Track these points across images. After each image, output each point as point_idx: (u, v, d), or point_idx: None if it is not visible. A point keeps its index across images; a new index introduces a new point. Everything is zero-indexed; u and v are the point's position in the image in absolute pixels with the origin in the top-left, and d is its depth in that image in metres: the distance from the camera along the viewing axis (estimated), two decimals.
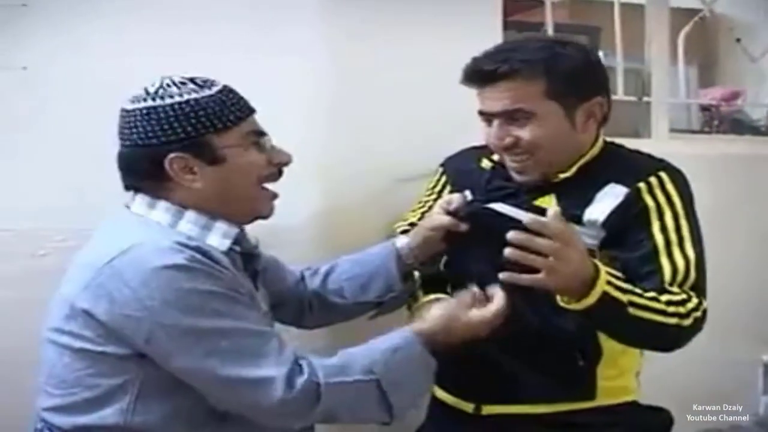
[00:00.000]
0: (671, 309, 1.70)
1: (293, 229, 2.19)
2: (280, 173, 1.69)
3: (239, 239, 1.65)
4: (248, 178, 1.64)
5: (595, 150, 1.93)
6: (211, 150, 1.57)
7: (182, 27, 2.13)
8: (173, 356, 1.48)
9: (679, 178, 1.88)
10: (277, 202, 1.71)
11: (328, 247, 2.19)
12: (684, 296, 1.74)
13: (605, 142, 1.96)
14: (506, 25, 2.72)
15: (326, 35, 2.28)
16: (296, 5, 2.25)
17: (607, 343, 1.86)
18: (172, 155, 1.55)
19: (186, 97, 1.56)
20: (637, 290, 1.69)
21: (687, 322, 1.71)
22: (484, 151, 2.03)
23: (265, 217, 1.70)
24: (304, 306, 1.97)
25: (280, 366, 1.51)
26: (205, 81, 1.60)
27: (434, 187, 2.17)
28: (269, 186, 1.69)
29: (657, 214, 1.82)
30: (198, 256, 1.49)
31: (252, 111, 1.65)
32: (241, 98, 1.63)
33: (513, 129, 1.84)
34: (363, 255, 1.97)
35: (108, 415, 1.49)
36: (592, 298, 1.61)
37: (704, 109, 4.05)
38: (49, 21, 2.05)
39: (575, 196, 1.86)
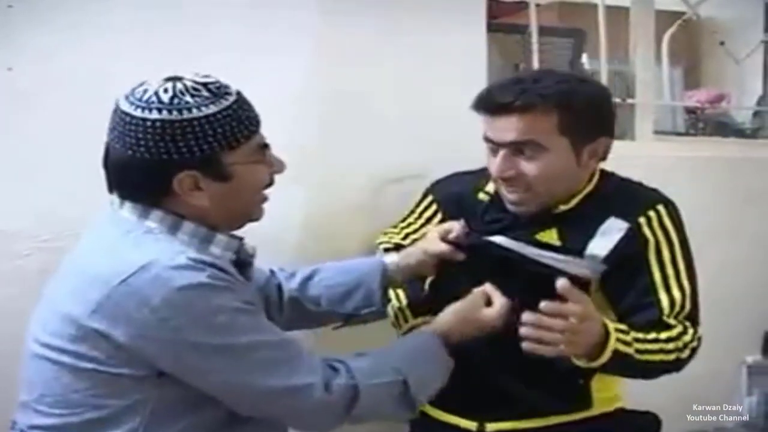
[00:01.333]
0: (671, 345, 1.81)
1: (279, 232, 2.18)
2: (272, 181, 1.67)
3: (238, 248, 1.63)
4: (253, 194, 1.63)
5: (594, 181, 1.95)
6: (220, 167, 1.54)
7: (171, 27, 2.13)
8: (207, 375, 1.47)
9: (673, 211, 1.94)
10: (266, 205, 1.71)
11: (314, 250, 2.20)
12: (680, 328, 1.85)
13: (601, 172, 1.98)
14: (490, 28, 2.73)
15: (313, 40, 2.29)
16: (282, 10, 2.25)
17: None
18: (182, 174, 1.51)
19: (204, 111, 1.50)
20: (640, 336, 1.79)
21: (685, 354, 1.83)
22: (476, 179, 2.05)
23: (255, 220, 1.69)
24: (270, 306, 1.93)
25: (315, 370, 1.53)
26: (218, 87, 1.54)
27: (423, 212, 2.17)
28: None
29: (655, 249, 1.89)
30: (218, 272, 1.48)
31: (260, 123, 1.60)
32: (252, 109, 1.59)
33: (518, 161, 1.85)
34: (348, 265, 1.96)
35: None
36: (604, 357, 1.71)
37: (689, 111, 4.06)
38: (35, 22, 2.04)
39: (576, 229, 1.90)
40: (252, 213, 1.66)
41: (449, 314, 1.80)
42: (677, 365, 1.84)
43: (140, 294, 1.42)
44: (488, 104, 1.84)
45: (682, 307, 1.87)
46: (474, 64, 2.49)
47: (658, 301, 1.86)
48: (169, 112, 1.48)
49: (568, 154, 1.86)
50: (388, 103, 2.38)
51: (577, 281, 1.88)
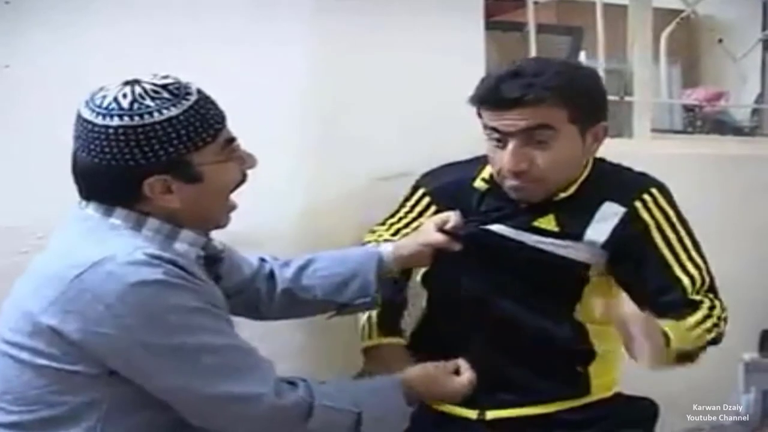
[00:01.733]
0: (709, 324, 1.86)
1: (275, 227, 2.19)
2: (245, 177, 1.64)
3: (205, 244, 1.61)
4: (224, 193, 1.60)
5: (588, 167, 1.97)
6: (190, 169, 1.51)
7: (170, 24, 2.13)
8: (156, 375, 1.45)
9: (667, 193, 1.97)
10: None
11: (310, 245, 2.19)
12: (708, 303, 1.90)
13: (593, 158, 1.99)
14: (488, 25, 2.73)
15: (309, 38, 2.28)
16: (279, 7, 2.25)
17: (600, 346, 1.99)
18: (152, 178, 1.49)
19: (165, 114, 1.47)
20: (685, 324, 1.81)
21: (722, 326, 1.89)
22: (469, 169, 2.06)
23: (222, 227, 1.66)
24: (261, 297, 1.92)
25: (267, 381, 1.51)
26: (178, 88, 1.51)
27: (415, 205, 2.16)
28: (231, 197, 1.64)
29: (658, 232, 1.92)
30: (175, 269, 1.45)
31: (225, 119, 1.58)
32: (216, 106, 1.56)
33: (529, 152, 1.84)
34: (344, 254, 1.95)
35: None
36: (670, 360, 1.74)
37: (688, 109, 4.07)
38: (32, 19, 2.04)
39: (573, 215, 1.92)
40: (221, 217, 1.63)
41: (419, 369, 1.82)
42: (718, 339, 1.88)
43: (93, 290, 1.40)
44: (496, 100, 1.83)
45: (703, 281, 1.92)
46: (472, 61, 2.48)
47: (678, 280, 1.90)
48: (131, 117, 1.46)
49: (576, 140, 1.87)
50: (385, 101, 2.38)
51: (576, 266, 1.90)
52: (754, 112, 4.23)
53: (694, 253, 1.94)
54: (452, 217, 1.96)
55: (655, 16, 3.38)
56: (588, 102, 1.88)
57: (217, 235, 1.68)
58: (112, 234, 1.50)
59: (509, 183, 1.91)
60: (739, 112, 4.20)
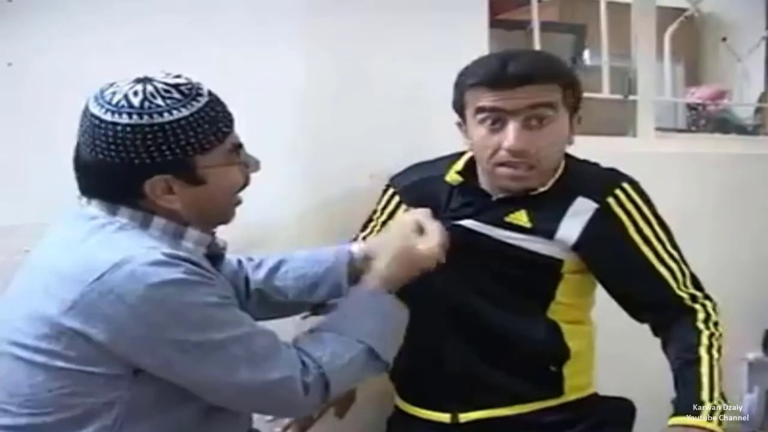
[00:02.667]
0: (716, 346, 1.86)
1: (278, 225, 2.19)
2: (248, 181, 1.63)
3: (210, 243, 1.61)
4: (228, 196, 1.60)
5: (562, 163, 1.96)
6: (194, 171, 1.50)
7: (170, 23, 2.12)
8: (187, 371, 1.45)
9: (639, 188, 1.95)
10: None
11: (312, 243, 2.19)
12: (703, 316, 1.89)
13: (564, 154, 1.99)
14: (492, 24, 2.72)
15: (308, 34, 2.28)
16: (280, 6, 2.25)
17: (573, 345, 1.96)
18: (155, 178, 1.48)
19: (175, 115, 1.45)
20: (709, 377, 1.82)
21: (719, 332, 1.88)
22: (437, 166, 2.06)
23: (226, 223, 1.65)
24: (240, 297, 1.88)
25: (294, 362, 1.52)
26: (190, 89, 1.50)
27: (385, 207, 2.15)
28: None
29: (634, 228, 1.90)
30: (193, 267, 1.45)
31: (233, 122, 1.57)
32: (226, 109, 1.55)
33: (529, 134, 1.83)
34: (314, 254, 1.91)
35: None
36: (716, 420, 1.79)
37: (691, 108, 4.06)
38: (34, 16, 2.04)
39: (546, 209, 1.90)
40: (225, 216, 1.63)
41: (387, 258, 1.75)
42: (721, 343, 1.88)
43: (116, 291, 1.39)
44: (506, 77, 1.82)
45: (683, 274, 1.91)
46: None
47: (661, 276, 1.89)
48: (140, 116, 1.45)
49: (566, 126, 1.88)
50: (388, 99, 2.37)
51: (549, 263, 1.90)
52: (758, 110, 4.23)
53: (669, 247, 1.92)
54: (422, 213, 1.92)
55: (659, 15, 3.37)
56: (576, 89, 1.89)
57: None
58: (123, 234, 1.49)
59: (503, 171, 1.89)
60: (743, 110, 4.20)
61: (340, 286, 1.85)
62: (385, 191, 2.17)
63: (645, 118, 3.22)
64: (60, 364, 1.43)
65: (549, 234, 1.89)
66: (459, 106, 1.93)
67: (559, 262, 1.90)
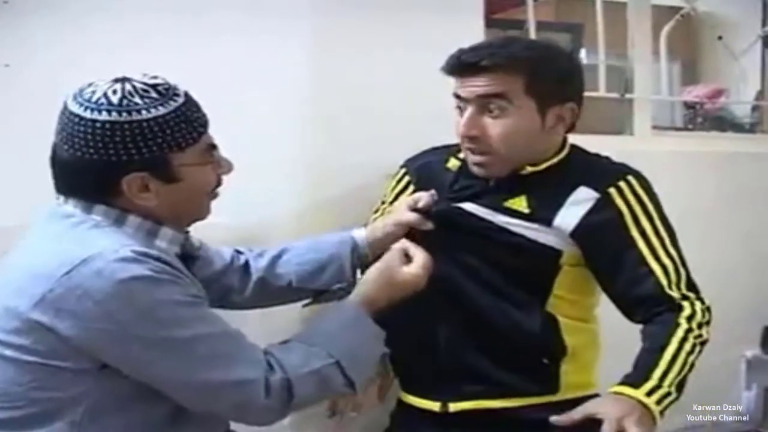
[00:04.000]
0: (688, 346, 1.79)
1: (277, 224, 2.19)
2: (220, 181, 1.66)
3: (183, 242, 1.64)
4: (201, 195, 1.62)
5: (564, 153, 1.97)
6: (169, 168, 1.53)
7: (167, 23, 2.13)
8: (151, 367, 1.47)
9: (646, 182, 1.94)
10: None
11: None
12: (688, 312, 1.83)
13: (571, 146, 1.99)
14: (488, 23, 2.72)
15: (308, 33, 2.28)
16: (280, 4, 2.25)
17: (572, 341, 1.94)
18: (131, 176, 1.51)
19: (153, 113, 1.49)
20: (668, 362, 1.76)
21: (705, 333, 1.83)
22: (449, 150, 2.06)
23: (202, 220, 1.67)
24: (233, 288, 1.93)
25: (257, 365, 1.52)
26: (167, 89, 1.54)
27: (395, 188, 2.17)
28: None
29: (633, 220, 1.88)
30: (161, 265, 1.47)
31: (208, 123, 1.60)
32: (201, 110, 1.59)
33: (483, 120, 1.86)
34: (317, 241, 1.95)
35: (58, 428, 1.46)
36: (658, 412, 1.72)
37: (688, 106, 4.07)
38: (31, 18, 2.04)
39: (546, 197, 1.90)
40: (200, 213, 1.66)
41: (370, 280, 1.75)
42: (704, 345, 1.83)
43: (84, 287, 1.42)
44: (457, 65, 1.86)
45: (678, 274, 1.87)
46: None
47: (652, 271, 1.85)
48: (119, 113, 1.48)
49: (533, 116, 1.87)
50: (384, 99, 2.37)
51: (547, 252, 1.90)
52: (754, 108, 4.23)
53: (669, 246, 1.89)
54: (423, 196, 1.95)
55: (655, 13, 3.37)
56: (551, 79, 1.87)
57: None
58: (97, 231, 1.51)
59: (468, 156, 1.92)
60: (740, 108, 4.19)
61: (344, 271, 1.88)
62: (397, 173, 2.19)
63: (642, 116, 3.22)
64: (29, 358, 1.45)
65: (547, 221, 1.88)
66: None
67: (557, 253, 1.89)
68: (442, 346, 1.93)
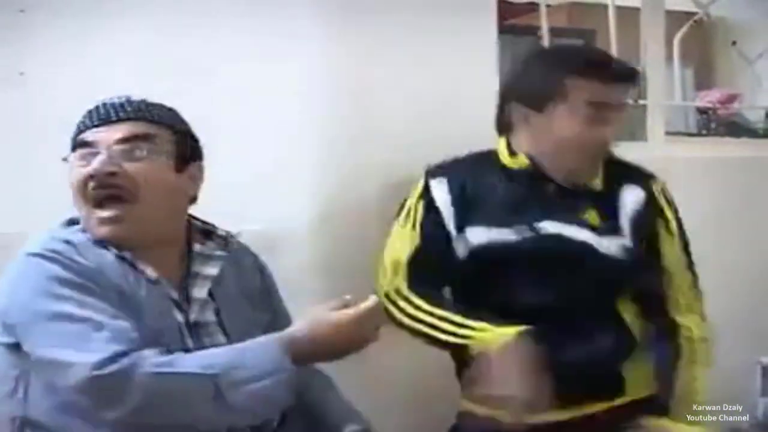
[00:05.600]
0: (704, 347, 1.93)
1: (290, 234, 2.18)
2: (101, 187, 1.61)
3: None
4: (74, 193, 1.64)
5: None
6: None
7: (180, 33, 2.13)
8: (27, 338, 1.52)
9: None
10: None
11: (325, 252, 2.19)
12: (697, 319, 1.95)
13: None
14: (502, 29, 2.73)
15: (321, 41, 2.29)
16: (291, 10, 2.25)
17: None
18: None
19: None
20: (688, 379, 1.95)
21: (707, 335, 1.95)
22: (482, 159, 2.03)
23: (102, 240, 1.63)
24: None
25: (91, 354, 1.45)
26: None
27: (420, 197, 2.04)
28: (99, 211, 1.62)
29: (676, 223, 2.00)
30: (61, 247, 1.56)
31: (88, 126, 1.68)
32: (89, 113, 1.69)
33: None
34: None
35: (13, 406, 1.54)
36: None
37: (701, 111, 4.06)
38: (47, 27, 2.05)
39: (607, 206, 1.96)
40: (87, 223, 1.65)
41: (302, 319, 1.61)
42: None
43: (8, 265, 1.58)
44: (615, 71, 1.94)
45: (693, 277, 1.98)
46: (485, 65, 2.48)
47: (684, 278, 1.97)
48: None
49: None
50: (398, 105, 2.37)
51: (617, 263, 1.94)
52: None
53: (689, 249, 2.00)
54: (371, 299, 1.63)
55: (668, 19, 3.37)
56: None
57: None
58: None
59: (588, 162, 1.97)
60: (753, 114, 4.19)
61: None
62: (435, 187, 2.04)
63: (655, 122, 3.21)
64: None
65: (616, 229, 1.94)
66: (550, 91, 1.93)
67: (626, 263, 1.93)
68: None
